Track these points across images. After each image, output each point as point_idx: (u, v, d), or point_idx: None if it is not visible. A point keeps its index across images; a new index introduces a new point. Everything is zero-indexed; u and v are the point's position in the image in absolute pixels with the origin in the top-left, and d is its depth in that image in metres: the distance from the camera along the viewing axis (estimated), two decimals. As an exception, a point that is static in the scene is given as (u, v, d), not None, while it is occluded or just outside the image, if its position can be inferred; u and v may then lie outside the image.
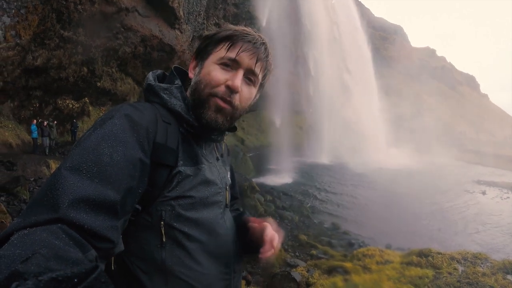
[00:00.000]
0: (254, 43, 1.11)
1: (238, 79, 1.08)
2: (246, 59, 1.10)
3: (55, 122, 16.82)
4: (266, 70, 1.18)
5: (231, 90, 1.08)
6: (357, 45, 45.82)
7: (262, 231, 1.17)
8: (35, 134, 14.86)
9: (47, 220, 0.65)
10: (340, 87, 40.02)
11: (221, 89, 1.08)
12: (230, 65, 1.10)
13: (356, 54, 44.84)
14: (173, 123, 1.07)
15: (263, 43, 1.14)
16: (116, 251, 0.79)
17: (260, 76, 1.16)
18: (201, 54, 1.16)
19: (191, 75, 1.18)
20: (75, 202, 0.69)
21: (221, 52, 1.10)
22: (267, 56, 1.15)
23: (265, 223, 1.21)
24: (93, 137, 0.85)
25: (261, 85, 1.22)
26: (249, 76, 1.13)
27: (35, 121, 15.27)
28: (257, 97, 1.23)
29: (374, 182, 26.75)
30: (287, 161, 28.45)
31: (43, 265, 0.54)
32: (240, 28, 1.14)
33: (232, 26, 1.15)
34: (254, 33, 1.14)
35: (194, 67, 1.18)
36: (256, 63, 1.11)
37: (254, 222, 1.25)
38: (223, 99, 1.09)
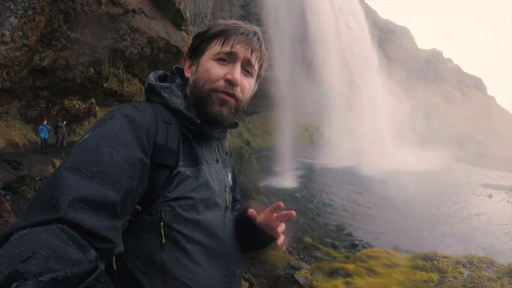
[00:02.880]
0: (247, 34, 1.12)
1: (237, 72, 1.10)
2: (241, 51, 1.11)
3: (64, 122, 16.90)
4: (261, 60, 1.19)
5: (232, 83, 1.09)
6: (364, 47, 45.64)
7: (269, 221, 1.17)
8: (43, 135, 14.75)
9: (47, 220, 0.66)
10: (347, 88, 39.86)
11: (221, 83, 1.10)
12: (227, 59, 1.11)
13: (362, 56, 44.68)
14: (174, 123, 1.07)
15: (255, 33, 1.15)
16: (116, 251, 0.80)
17: (256, 66, 1.17)
18: (195, 53, 1.17)
19: (187, 74, 1.19)
20: (75, 202, 0.69)
21: (215, 47, 1.12)
22: (261, 46, 1.16)
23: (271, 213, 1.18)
24: (93, 137, 0.85)
25: (259, 75, 1.23)
26: (247, 68, 1.14)
27: (45, 122, 15.15)
28: (255, 87, 1.25)
29: (380, 184, 26.61)
30: (293, 163, 28.38)
31: (43, 265, 0.54)
32: (231, 21, 1.16)
33: (222, 21, 1.17)
34: (245, 25, 1.16)
35: (190, 66, 1.19)
36: (251, 53, 1.12)
37: (258, 215, 1.22)
38: (225, 93, 1.10)
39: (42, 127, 14.73)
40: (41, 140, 14.96)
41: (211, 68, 1.11)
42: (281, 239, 1.18)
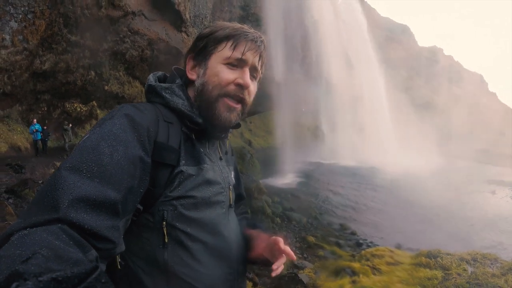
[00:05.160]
0: (256, 41, 1.13)
1: (247, 77, 1.11)
2: (251, 57, 1.12)
3: (70, 125, 16.93)
4: (263, 65, 1.21)
5: (243, 87, 1.11)
6: (364, 45, 45.62)
7: (273, 245, 1.14)
8: (35, 136, 14.35)
9: (47, 220, 0.65)
10: (348, 87, 39.84)
11: (232, 87, 1.11)
12: (237, 64, 1.11)
13: (363, 54, 44.66)
14: (175, 123, 1.07)
15: (262, 41, 1.16)
16: (117, 251, 0.79)
17: (260, 71, 1.20)
18: (202, 55, 1.17)
19: (191, 76, 1.18)
20: (75, 202, 0.69)
21: (225, 52, 1.11)
22: (264, 52, 1.18)
23: (276, 238, 1.16)
24: (93, 137, 0.85)
25: (259, 79, 1.25)
26: (253, 73, 1.16)
27: (35, 121, 14.70)
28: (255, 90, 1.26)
29: (383, 182, 26.59)
30: (295, 162, 28.35)
31: (43, 265, 0.54)
32: (238, 26, 1.16)
33: (227, 24, 1.17)
34: (252, 30, 1.16)
35: (193, 68, 1.19)
36: (258, 60, 1.15)
37: (261, 238, 1.24)
38: (234, 97, 1.11)
39: (35, 131, 14.27)
40: (34, 143, 14.57)
41: (221, 73, 1.11)
42: (277, 271, 1.15)
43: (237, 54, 1.10)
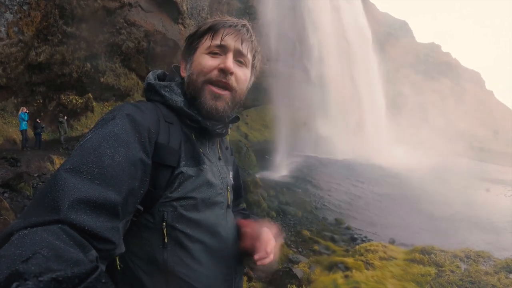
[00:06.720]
0: (235, 26, 1.15)
1: (229, 60, 1.11)
2: (231, 42, 1.13)
3: (65, 117, 16.74)
4: (254, 51, 1.21)
5: (225, 72, 1.10)
6: (362, 40, 45.48)
7: (257, 236, 1.16)
8: (23, 126, 13.46)
9: (47, 221, 0.65)
10: (345, 82, 39.79)
11: (215, 73, 1.11)
12: (218, 51, 1.13)
13: (360, 50, 44.52)
14: (175, 123, 1.08)
15: (244, 25, 1.17)
16: (117, 252, 0.79)
17: (249, 56, 1.19)
18: (188, 52, 1.19)
19: (183, 74, 1.20)
20: (76, 203, 0.69)
21: (206, 42, 1.14)
22: (251, 37, 1.18)
23: (261, 228, 1.19)
24: (94, 137, 0.85)
25: (254, 66, 1.25)
26: (239, 58, 1.16)
27: (25, 108, 13.95)
28: (252, 79, 1.26)
29: (378, 178, 26.66)
30: (291, 156, 28.36)
31: (44, 265, 0.54)
32: (218, 18, 1.18)
33: (211, 19, 1.19)
34: (233, 18, 1.18)
35: (185, 67, 1.21)
36: (242, 44, 1.14)
37: (248, 226, 1.24)
38: (218, 83, 1.11)
39: (23, 119, 13.33)
40: (21, 133, 13.64)
41: (203, 61, 1.12)
42: (260, 256, 1.12)
43: (216, 42, 1.12)
